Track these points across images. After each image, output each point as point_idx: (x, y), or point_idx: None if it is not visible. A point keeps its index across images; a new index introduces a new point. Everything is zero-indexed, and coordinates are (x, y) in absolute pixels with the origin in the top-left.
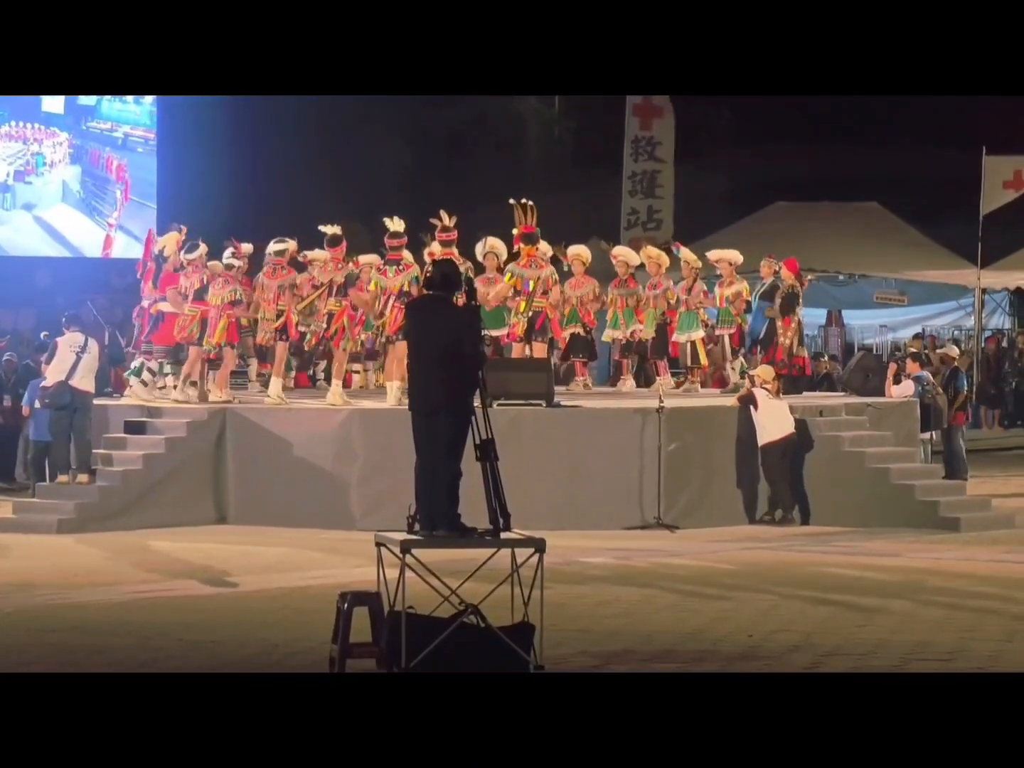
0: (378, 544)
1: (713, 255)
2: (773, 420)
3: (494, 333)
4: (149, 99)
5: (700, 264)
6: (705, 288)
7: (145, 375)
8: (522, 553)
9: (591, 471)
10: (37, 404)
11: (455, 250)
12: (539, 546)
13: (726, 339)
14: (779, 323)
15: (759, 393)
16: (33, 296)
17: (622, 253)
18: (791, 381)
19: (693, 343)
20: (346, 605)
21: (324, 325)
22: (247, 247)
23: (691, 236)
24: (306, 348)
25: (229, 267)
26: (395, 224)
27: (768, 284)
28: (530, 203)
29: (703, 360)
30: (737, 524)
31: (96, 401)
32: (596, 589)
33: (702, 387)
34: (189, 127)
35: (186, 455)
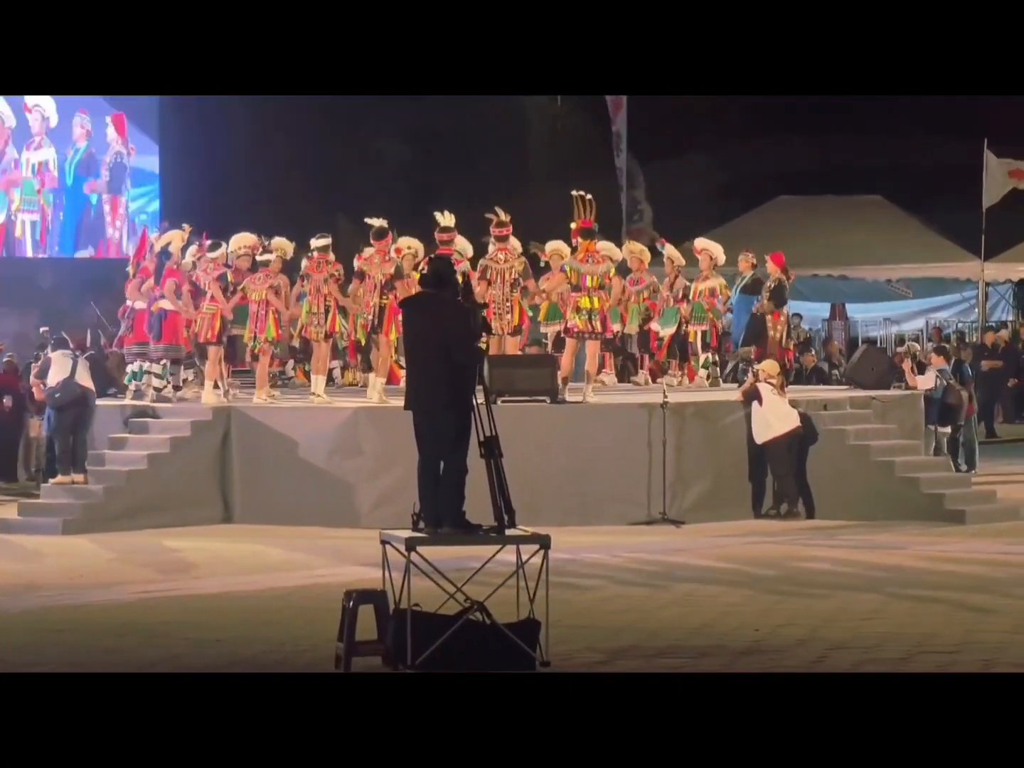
0: (383, 542)
1: (699, 243)
2: (778, 415)
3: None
4: None
5: (684, 262)
6: (686, 284)
7: (155, 381)
8: (527, 550)
9: (596, 467)
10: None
11: (509, 246)
12: (544, 542)
13: (697, 335)
14: (768, 318)
15: (763, 388)
16: (36, 297)
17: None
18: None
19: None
20: (352, 603)
21: (371, 317)
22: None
23: (694, 231)
24: (360, 341)
25: (265, 263)
26: (446, 219)
27: (749, 278)
28: (589, 196)
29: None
30: (743, 519)
31: (99, 402)
32: (601, 585)
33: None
34: (190, 122)
35: (191, 454)
